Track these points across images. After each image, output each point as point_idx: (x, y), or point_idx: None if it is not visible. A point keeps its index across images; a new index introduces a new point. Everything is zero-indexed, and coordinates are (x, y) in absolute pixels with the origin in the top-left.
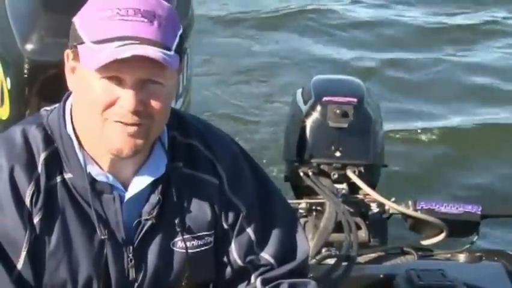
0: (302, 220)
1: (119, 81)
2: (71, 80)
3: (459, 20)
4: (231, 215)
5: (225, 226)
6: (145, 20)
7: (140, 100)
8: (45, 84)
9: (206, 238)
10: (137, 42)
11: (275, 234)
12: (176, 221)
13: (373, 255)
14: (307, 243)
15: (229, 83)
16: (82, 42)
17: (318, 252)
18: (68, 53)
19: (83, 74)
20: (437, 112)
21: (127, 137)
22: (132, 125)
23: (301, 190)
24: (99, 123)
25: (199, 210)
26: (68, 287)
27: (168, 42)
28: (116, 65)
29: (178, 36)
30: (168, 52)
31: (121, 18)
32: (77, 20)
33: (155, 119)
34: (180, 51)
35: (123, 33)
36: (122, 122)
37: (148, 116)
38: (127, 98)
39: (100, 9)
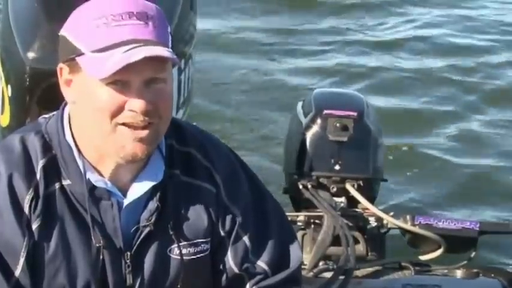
0: (300, 233)
1: (125, 85)
2: (68, 93)
3: None
4: (227, 223)
5: (222, 233)
6: (141, 22)
7: (148, 100)
8: (46, 92)
9: (202, 245)
10: (142, 44)
11: (269, 242)
12: (173, 228)
13: (370, 269)
14: (300, 250)
15: (229, 93)
16: (81, 54)
17: (316, 265)
18: (61, 67)
19: (85, 84)
20: (437, 126)
21: (138, 143)
22: (143, 128)
23: (300, 203)
24: (108, 131)
25: (196, 217)
26: None
27: (165, 40)
28: (123, 70)
29: (169, 32)
30: (169, 49)
31: (117, 24)
32: (69, 32)
33: (163, 117)
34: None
35: (123, 38)
36: (133, 126)
37: (156, 114)
38: (135, 99)
39: (93, 18)
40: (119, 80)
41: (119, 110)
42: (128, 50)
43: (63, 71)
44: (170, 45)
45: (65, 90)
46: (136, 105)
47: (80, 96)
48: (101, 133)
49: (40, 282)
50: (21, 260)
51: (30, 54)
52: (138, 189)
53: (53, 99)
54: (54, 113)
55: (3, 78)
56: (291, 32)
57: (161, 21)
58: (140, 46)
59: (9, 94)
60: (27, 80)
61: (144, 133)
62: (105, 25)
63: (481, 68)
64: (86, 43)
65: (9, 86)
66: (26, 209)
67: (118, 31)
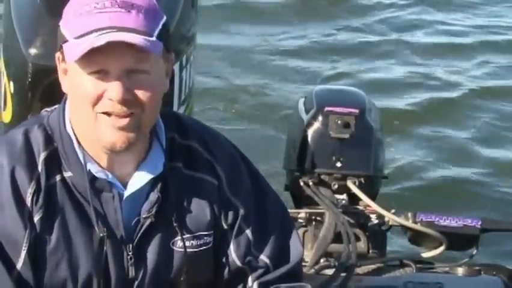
0: (301, 230)
1: (105, 74)
2: (64, 82)
3: None
4: (230, 216)
5: (225, 226)
6: (122, 10)
7: (127, 89)
8: (48, 89)
9: (205, 238)
10: (114, 30)
11: (271, 236)
12: (176, 220)
13: (372, 266)
14: (300, 244)
15: (231, 90)
16: (66, 41)
17: (317, 262)
18: (58, 55)
19: (73, 72)
20: (438, 123)
21: (118, 131)
22: (123, 116)
23: (302, 200)
24: (91, 119)
25: (199, 210)
26: (69, 285)
27: (148, 28)
28: (98, 57)
29: (160, 24)
30: (148, 38)
31: (98, 11)
32: (61, 22)
33: (145, 108)
34: (165, 38)
35: (101, 25)
36: (112, 114)
37: (137, 105)
38: (113, 88)
39: (78, 6)
40: (101, 69)
41: (99, 98)
42: (98, 36)
43: (59, 60)
44: (155, 35)
45: (62, 80)
46: (112, 94)
47: (70, 85)
48: (86, 121)
49: (42, 274)
50: (23, 253)
51: (33, 51)
52: (138, 181)
53: (55, 96)
54: (57, 106)
55: (5, 75)
56: (290, 29)
57: (149, 11)
58: (111, 32)
59: (12, 90)
60: (30, 76)
61: (124, 121)
62: (87, 12)
63: (481, 66)
64: (70, 30)
65: (11, 83)
66: (28, 202)
67: (97, 18)
